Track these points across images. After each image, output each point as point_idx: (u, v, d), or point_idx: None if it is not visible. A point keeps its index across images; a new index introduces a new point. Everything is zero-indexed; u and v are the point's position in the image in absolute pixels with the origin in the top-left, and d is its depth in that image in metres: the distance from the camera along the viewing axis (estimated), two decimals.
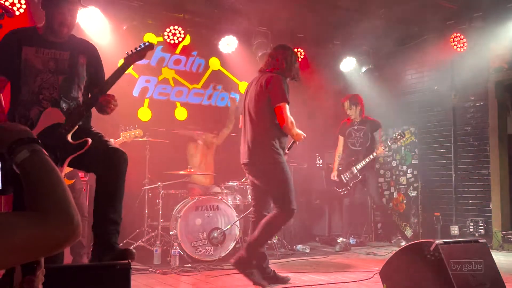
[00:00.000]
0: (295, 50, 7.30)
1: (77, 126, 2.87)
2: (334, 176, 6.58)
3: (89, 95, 3.12)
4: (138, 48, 3.08)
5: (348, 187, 6.50)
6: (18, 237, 1.03)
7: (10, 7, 5.10)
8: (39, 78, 2.91)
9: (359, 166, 6.42)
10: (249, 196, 5.96)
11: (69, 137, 2.82)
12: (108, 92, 2.98)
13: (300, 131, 4.21)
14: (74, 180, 4.72)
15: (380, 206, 7.01)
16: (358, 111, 6.62)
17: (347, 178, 6.51)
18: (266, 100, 4.13)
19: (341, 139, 6.69)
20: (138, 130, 5.27)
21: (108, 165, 2.81)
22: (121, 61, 6.58)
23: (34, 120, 2.85)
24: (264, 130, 4.12)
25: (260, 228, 4.07)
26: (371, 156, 6.39)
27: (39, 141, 1.20)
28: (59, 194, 1.11)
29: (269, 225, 4.06)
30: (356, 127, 6.59)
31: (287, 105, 4.10)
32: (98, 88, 2.97)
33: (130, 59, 3.06)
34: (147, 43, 3.10)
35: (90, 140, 2.79)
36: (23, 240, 1.03)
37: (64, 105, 2.94)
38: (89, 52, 3.13)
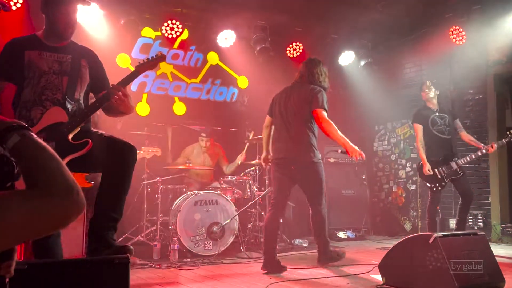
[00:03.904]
0: (293, 44, 7.35)
1: (79, 128, 2.86)
2: (429, 170, 5.60)
3: (88, 97, 3.12)
4: (150, 58, 3.10)
5: (443, 183, 5.62)
6: (16, 213, 1.02)
7: (6, 1, 5.07)
8: (43, 79, 2.90)
9: (461, 162, 5.57)
10: (248, 190, 5.97)
11: (69, 137, 2.81)
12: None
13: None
14: (92, 184, 4.75)
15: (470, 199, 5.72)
16: (437, 96, 5.88)
17: (442, 174, 5.60)
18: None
19: (419, 127, 5.76)
20: (156, 148, 5.54)
21: (113, 160, 2.78)
22: (119, 57, 6.61)
23: (35, 120, 2.83)
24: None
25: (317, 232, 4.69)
26: (479, 153, 5.53)
27: (31, 129, 1.20)
28: (54, 168, 1.11)
29: (321, 223, 4.68)
30: (438, 114, 5.77)
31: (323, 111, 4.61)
32: (104, 93, 2.96)
33: (141, 68, 3.08)
34: (159, 54, 3.14)
35: (90, 142, 2.77)
36: (22, 215, 1.02)
37: (68, 105, 2.93)
38: (90, 56, 3.13)
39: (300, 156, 4.62)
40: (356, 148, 4.52)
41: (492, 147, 5.51)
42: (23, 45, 2.95)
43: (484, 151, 5.53)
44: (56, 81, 2.92)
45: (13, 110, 2.91)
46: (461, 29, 6.69)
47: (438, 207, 6.25)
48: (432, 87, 5.82)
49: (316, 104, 4.57)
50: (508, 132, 5.57)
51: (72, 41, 3.11)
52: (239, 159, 6.48)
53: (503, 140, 5.53)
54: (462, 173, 5.59)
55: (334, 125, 4.53)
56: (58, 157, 1.14)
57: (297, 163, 4.61)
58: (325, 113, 4.56)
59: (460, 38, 6.70)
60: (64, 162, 2.74)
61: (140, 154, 5.37)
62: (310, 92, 4.65)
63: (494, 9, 6.33)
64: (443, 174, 5.61)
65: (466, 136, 5.82)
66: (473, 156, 5.56)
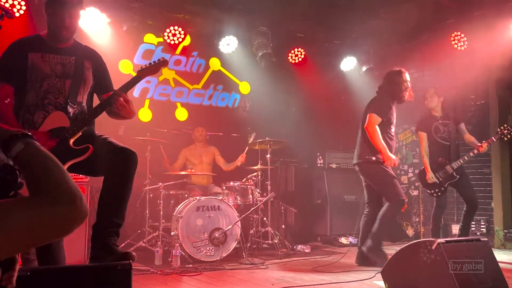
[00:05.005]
0: (295, 49, 7.36)
1: (80, 133, 2.87)
2: (432, 178, 5.64)
3: (93, 98, 3.13)
4: (152, 63, 3.11)
5: (442, 188, 5.66)
6: (20, 220, 1.03)
7: (10, 8, 5.10)
8: (46, 82, 2.89)
9: (455, 165, 5.58)
10: (251, 196, 5.97)
11: (71, 142, 2.82)
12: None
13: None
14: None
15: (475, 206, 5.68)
16: (440, 103, 5.86)
17: (440, 179, 5.62)
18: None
19: (424, 135, 5.80)
20: None
21: (115, 165, 2.79)
22: (121, 63, 6.64)
23: (37, 124, 2.84)
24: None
25: (377, 221, 4.97)
26: (471, 154, 5.55)
27: (33, 137, 1.21)
28: (57, 175, 1.11)
29: (383, 217, 4.95)
30: (441, 121, 5.79)
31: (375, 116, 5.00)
32: (106, 99, 2.97)
33: (143, 73, 3.10)
34: (161, 59, 3.15)
35: (91, 147, 2.78)
36: (26, 222, 1.03)
37: (70, 110, 2.93)
38: (94, 58, 3.13)
39: (357, 159, 5.14)
40: (392, 156, 5.00)
41: (482, 146, 5.51)
42: (26, 46, 2.94)
43: (476, 151, 5.54)
44: (59, 85, 2.93)
45: (13, 113, 2.89)
46: (462, 35, 6.70)
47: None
48: (435, 95, 5.82)
49: (369, 109, 5.02)
50: (498, 129, 5.60)
51: (76, 42, 3.11)
52: (239, 160, 6.51)
53: (493, 137, 5.55)
54: (458, 176, 5.59)
55: (377, 130, 4.94)
56: (61, 164, 1.15)
57: (358, 167, 5.17)
58: (373, 118, 4.95)
59: (462, 43, 6.71)
60: (65, 167, 2.76)
61: None
62: (371, 100, 5.14)
63: (496, 14, 6.33)
64: (440, 179, 5.62)
65: (468, 139, 5.80)
66: (466, 158, 5.58)
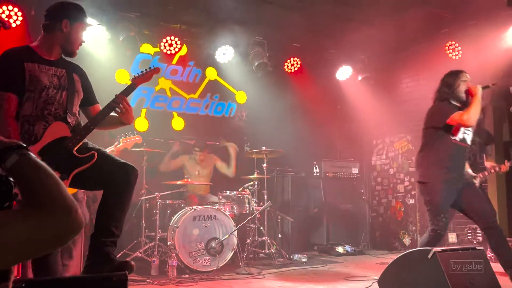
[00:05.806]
0: (291, 59, 7.40)
1: (82, 142, 2.90)
2: None
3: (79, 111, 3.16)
4: (144, 71, 3.23)
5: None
6: (15, 232, 1.03)
7: (6, 19, 5.12)
8: (45, 93, 2.90)
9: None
10: (247, 205, 5.96)
11: (75, 151, 2.84)
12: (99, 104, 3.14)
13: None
14: (77, 190, 4.72)
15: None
16: None
17: None
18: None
19: None
20: (137, 136, 5.31)
21: (115, 180, 2.82)
22: (118, 73, 6.64)
23: (39, 135, 2.84)
24: None
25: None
26: (492, 171, 5.33)
27: (30, 149, 1.21)
28: (52, 187, 1.12)
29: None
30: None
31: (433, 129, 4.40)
32: (107, 105, 3.03)
33: (137, 80, 3.20)
34: (152, 67, 3.29)
35: (96, 154, 2.82)
36: (21, 234, 1.03)
37: (69, 120, 2.96)
38: (80, 72, 3.18)
39: (418, 178, 4.47)
40: (475, 92, 4.39)
41: (504, 165, 5.33)
42: (21, 56, 2.92)
43: (497, 169, 5.33)
44: (57, 96, 2.95)
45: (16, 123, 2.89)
46: (457, 44, 6.75)
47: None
48: None
49: (425, 123, 4.50)
50: None
51: (62, 56, 3.15)
52: (231, 151, 6.67)
53: None
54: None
55: (465, 113, 4.19)
56: (56, 176, 1.15)
57: (419, 185, 4.51)
58: (457, 118, 4.18)
59: (456, 53, 6.76)
60: (71, 176, 2.76)
61: (120, 146, 5.09)
62: (427, 113, 4.56)
63: (490, 24, 6.38)
64: None
65: (489, 163, 5.59)
66: (486, 173, 5.31)
